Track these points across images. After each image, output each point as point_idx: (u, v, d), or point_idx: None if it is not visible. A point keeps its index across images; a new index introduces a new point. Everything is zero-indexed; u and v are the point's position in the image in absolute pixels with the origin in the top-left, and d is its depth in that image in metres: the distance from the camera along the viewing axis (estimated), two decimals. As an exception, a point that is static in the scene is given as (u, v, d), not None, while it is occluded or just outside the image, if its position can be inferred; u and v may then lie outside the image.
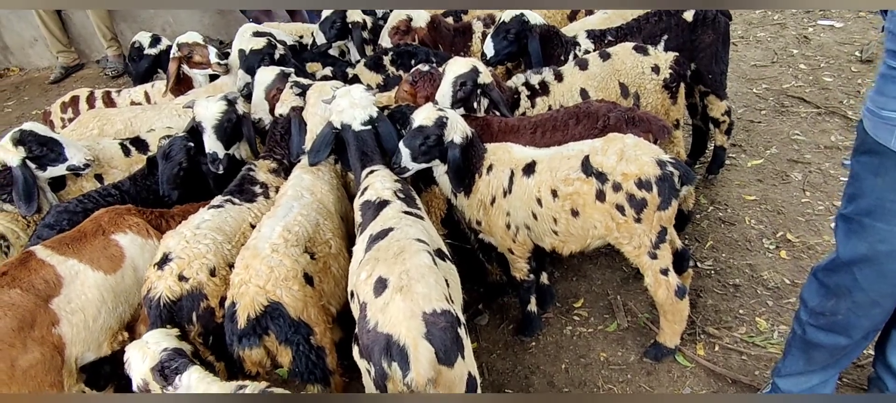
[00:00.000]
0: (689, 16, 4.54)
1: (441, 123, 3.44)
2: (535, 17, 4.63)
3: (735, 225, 4.76)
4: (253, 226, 3.36)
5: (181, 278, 3.02)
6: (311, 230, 3.19)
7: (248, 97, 4.54)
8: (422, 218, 3.15)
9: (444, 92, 3.88)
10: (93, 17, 9.28)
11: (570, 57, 4.67)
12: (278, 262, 2.90)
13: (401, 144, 3.48)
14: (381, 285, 2.46)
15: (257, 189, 3.72)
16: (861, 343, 2.87)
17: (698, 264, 4.43)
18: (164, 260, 3.07)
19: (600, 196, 3.31)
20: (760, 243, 4.56)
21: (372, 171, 3.47)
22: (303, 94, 3.98)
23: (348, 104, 3.57)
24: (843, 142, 5.42)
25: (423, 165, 3.57)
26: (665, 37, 4.60)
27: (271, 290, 2.83)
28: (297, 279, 2.92)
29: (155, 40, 5.73)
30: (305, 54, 5.41)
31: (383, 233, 2.83)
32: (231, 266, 3.10)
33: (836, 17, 7.52)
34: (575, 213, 3.41)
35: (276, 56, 4.77)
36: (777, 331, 3.86)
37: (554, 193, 3.42)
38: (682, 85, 4.24)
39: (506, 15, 4.63)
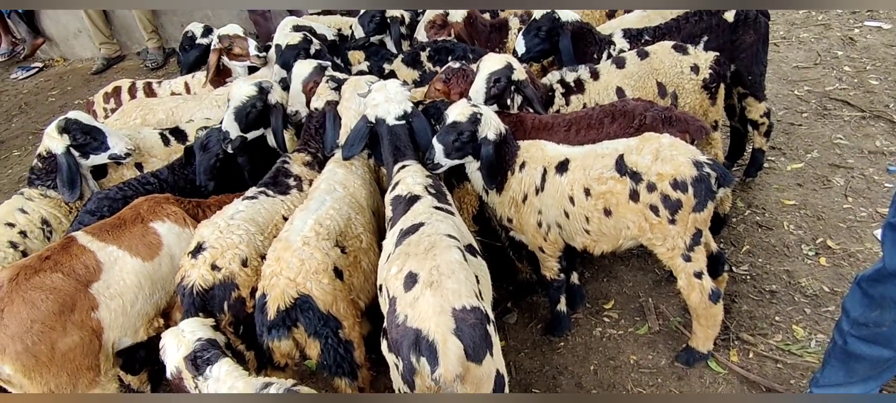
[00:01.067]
0: (730, 16, 4.46)
1: (475, 119, 3.43)
2: (568, 14, 4.59)
3: (773, 230, 4.65)
4: (285, 219, 3.40)
5: (214, 267, 3.07)
6: (342, 224, 3.21)
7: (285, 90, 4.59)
8: (452, 213, 3.15)
9: (478, 88, 3.88)
10: (135, 11, 9.52)
11: (605, 56, 4.62)
12: (309, 255, 2.92)
13: (434, 140, 3.48)
14: (411, 280, 2.47)
15: (291, 181, 3.76)
16: None
17: (734, 269, 4.34)
18: (198, 249, 3.13)
19: (634, 195, 3.26)
20: (799, 249, 4.45)
21: (403, 166, 3.48)
22: (339, 89, 4.00)
23: (383, 98, 3.58)
24: (889, 148, 5.24)
25: (457, 161, 3.57)
26: (705, 37, 4.52)
27: (301, 283, 2.86)
28: (327, 272, 2.94)
29: (207, 31, 5.86)
30: (348, 43, 5.47)
31: (414, 228, 2.84)
32: (263, 257, 3.14)
33: (884, 18, 7.27)
34: (608, 213, 3.38)
35: (312, 51, 4.82)
36: (815, 340, 3.76)
37: (587, 192, 3.39)
38: (722, 85, 4.15)
39: (538, 12, 4.60)
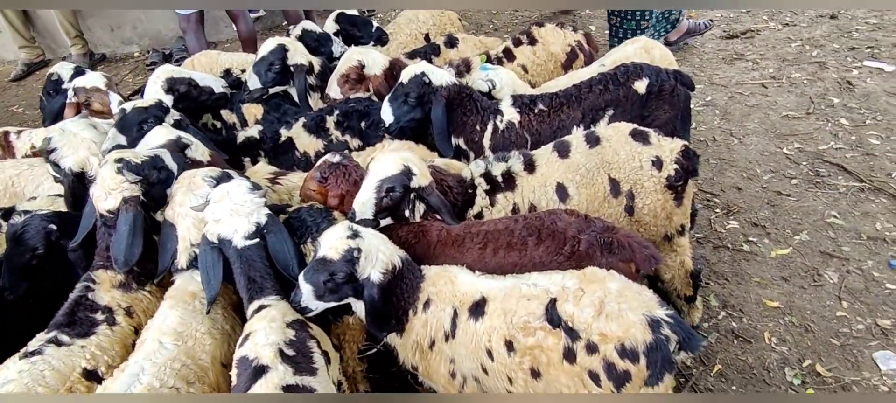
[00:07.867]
0: (640, 87, 3.68)
1: (351, 259, 2.55)
2: (440, 76, 3.76)
3: (751, 345, 3.82)
4: (88, 373, 2.49)
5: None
6: (155, 413, 2.29)
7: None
8: (311, 389, 2.28)
9: (366, 199, 2.94)
10: (56, 12, 8.48)
11: (489, 128, 3.82)
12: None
13: (301, 278, 2.60)
14: None
15: (98, 316, 2.78)
16: None
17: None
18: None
19: (569, 355, 2.48)
20: (782, 374, 3.63)
21: (260, 308, 2.61)
22: (141, 181, 3.00)
23: (227, 212, 2.69)
24: (891, 233, 4.41)
25: (333, 304, 2.69)
26: (610, 111, 3.75)
27: None
28: None
29: (77, 73, 4.80)
30: (242, 95, 4.46)
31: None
32: None
33: (887, 58, 6.44)
34: (536, 374, 2.57)
35: (169, 121, 3.79)
36: None
37: (509, 345, 2.59)
38: (690, 182, 3.29)
39: (405, 75, 3.77)
